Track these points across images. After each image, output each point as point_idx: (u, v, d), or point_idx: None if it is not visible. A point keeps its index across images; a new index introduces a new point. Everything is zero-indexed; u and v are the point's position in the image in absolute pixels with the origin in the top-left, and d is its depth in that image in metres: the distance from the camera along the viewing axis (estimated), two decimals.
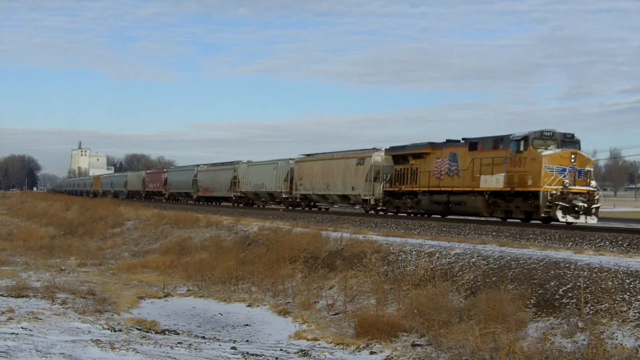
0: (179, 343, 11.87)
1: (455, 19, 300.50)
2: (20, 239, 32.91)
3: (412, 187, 30.60)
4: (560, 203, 23.11)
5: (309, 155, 43.62)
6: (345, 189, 36.72)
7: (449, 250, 16.43)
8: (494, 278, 13.88)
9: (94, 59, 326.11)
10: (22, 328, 12.00)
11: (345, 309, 14.95)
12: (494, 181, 25.46)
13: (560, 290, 12.17)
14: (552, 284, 12.52)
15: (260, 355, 11.31)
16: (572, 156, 23.75)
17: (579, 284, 11.83)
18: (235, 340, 13.15)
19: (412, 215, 30.59)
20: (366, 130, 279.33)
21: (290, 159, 44.32)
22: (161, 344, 11.56)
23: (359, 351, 12.05)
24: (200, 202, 56.98)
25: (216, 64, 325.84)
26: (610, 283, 11.43)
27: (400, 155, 32.08)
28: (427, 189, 29.50)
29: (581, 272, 12.42)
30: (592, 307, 11.13)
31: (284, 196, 43.61)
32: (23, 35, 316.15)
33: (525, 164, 24.22)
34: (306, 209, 41.65)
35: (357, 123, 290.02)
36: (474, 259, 15.23)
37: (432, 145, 30.00)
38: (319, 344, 12.67)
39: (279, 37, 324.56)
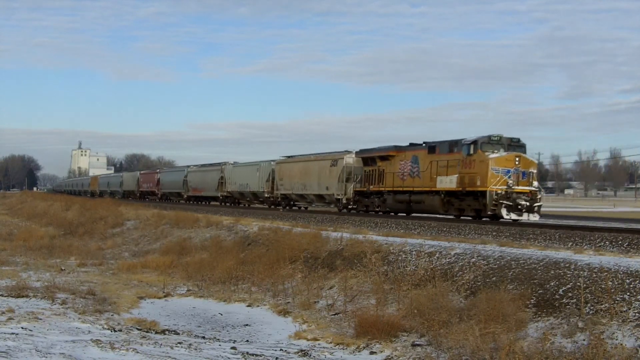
0: (179, 343, 11.87)
1: (455, 18, 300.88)
2: (20, 239, 32.90)
3: (379, 187, 32.65)
4: (505, 202, 25.11)
5: (289, 157, 45.55)
6: (320, 189, 38.76)
7: (449, 250, 16.43)
8: (494, 278, 13.89)
9: (94, 59, 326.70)
10: (22, 328, 11.99)
11: (345, 309, 14.95)
12: (448, 182, 27.58)
13: (560, 290, 12.17)
14: (552, 284, 12.53)
15: (260, 355, 11.31)
16: (517, 159, 25.79)
17: (579, 284, 11.84)
18: (235, 340, 13.16)
19: (379, 213, 32.47)
20: (366, 130, 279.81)
21: (272, 160, 46.35)
22: (161, 344, 11.56)
23: (359, 351, 12.05)
24: (190, 202, 58.93)
25: (216, 64, 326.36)
26: (610, 283, 11.43)
27: (369, 158, 34.07)
28: (392, 189, 31.58)
29: (581, 272, 12.42)
30: (592, 307, 11.13)
31: (266, 195, 45.88)
32: (23, 35, 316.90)
33: (474, 166, 26.27)
34: (287, 207, 43.29)
35: (357, 123, 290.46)
36: (474, 259, 15.23)
37: (397, 149, 32.06)
38: (319, 344, 12.67)
39: (279, 37, 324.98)
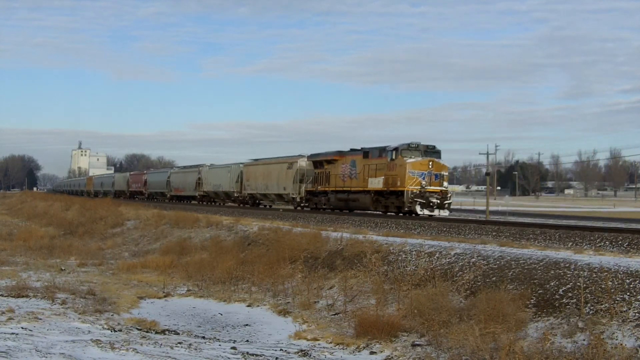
0: (179, 343, 11.87)
1: (455, 18, 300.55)
2: (20, 239, 32.93)
3: (325, 188, 37.03)
4: (419, 200, 29.28)
5: (255, 160, 50.17)
6: (279, 189, 42.90)
7: (449, 250, 16.43)
8: (494, 278, 13.88)
9: (94, 59, 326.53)
10: (22, 328, 11.99)
11: (345, 309, 14.95)
12: (376, 183, 31.82)
13: (560, 290, 12.17)
14: (552, 284, 12.52)
15: (260, 355, 11.31)
16: (430, 163, 30.10)
17: (579, 284, 11.84)
18: (235, 340, 13.16)
19: (327, 210, 36.54)
20: (366, 130, 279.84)
21: (241, 163, 51.08)
22: (161, 344, 11.56)
23: (359, 351, 12.05)
24: (173, 201, 62.97)
25: (216, 63, 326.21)
26: (610, 283, 11.43)
27: (318, 161, 38.37)
28: (335, 189, 35.95)
29: (581, 272, 12.42)
30: (592, 307, 11.13)
31: (235, 195, 50.45)
32: (23, 35, 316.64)
33: (396, 169, 30.42)
34: (253, 206, 47.79)
35: (357, 123, 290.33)
36: (474, 259, 15.23)
37: (340, 153, 36.29)
38: (319, 344, 12.67)
39: (279, 37, 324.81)
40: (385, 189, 30.95)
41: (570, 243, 18.12)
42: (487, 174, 61.51)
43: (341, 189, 35.11)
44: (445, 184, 30.51)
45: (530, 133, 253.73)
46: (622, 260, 13.40)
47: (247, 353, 11.43)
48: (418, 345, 11.82)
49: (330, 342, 12.69)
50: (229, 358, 11.00)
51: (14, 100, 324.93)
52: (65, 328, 12.50)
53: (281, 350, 11.97)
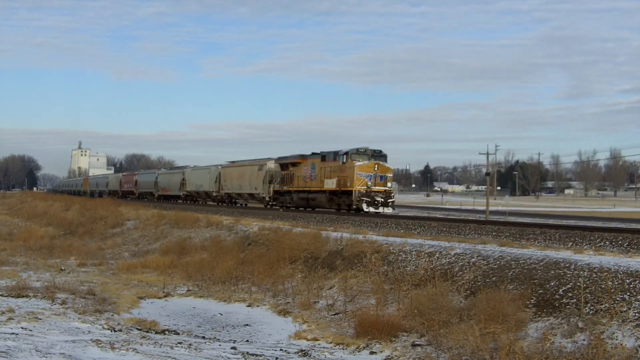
0: (179, 343, 11.87)
1: (455, 18, 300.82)
2: (20, 239, 32.93)
3: (290, 188, 40.62)
4: (365, 198, 32.87)
5: (232, 162, 54.22)
6: (251, 189, 46.65)
7: (449, 250, 16.43)
8: (494, 278, 13.88)
9: (93, 58, 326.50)
10: (22, 328, 11.99)
11: (345, 309, 14.95)
12: (331, 183, 35.43)
13: (560, 290, 12.17)
14: (552, 284, 12.52)
15: (260, 355, 11.31)
16: (376, 166, 33.53)
17: (579, 284, 11.84)
18: (235, 340, 13.16)
19: (292, 208, 40.01)
20: (366, 130, 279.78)
21: (219, 165, 55.18)
22: (161, 344, 11.56)
23: (359, 351, 12.05)
24: (160, 200, 66.80)
25: (216, 63, 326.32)
26: (610, 283, 11.43)
27: (284, 164, 41.81)
28: (297, 189, 39.55)
29: (581, 272, 12.42)
30: (592, 307, 11.13)
31: (214, 195, 54.41)
32: (23, 35, 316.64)
33: (346, 171, 33.95)
34: (230, 204, 51.58)
35: (357, 123, 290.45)
36: (474, 259, 15.23)
37: (302, 157, 39.81)
38: (319, 344, 12.67)
39: (279, 37, 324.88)
40: (338, 189, 34.67)
41: (570, 243, 18.12)
42: (487, 174, 61.52)
43: (303, 189, 38.84)
44: (389, 184, 34.03)
45: (530, 133, 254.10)
46: (622, 260, 13.39)
47: (247, 353, 11.43)
48: (418, 345, 11.82)
49: (330, 342, 12.69)
50: (229, 358, 11.00)
51: (14, 100, 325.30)
52: (65, 328, 12.49)
53: (281, 350, 11.97)
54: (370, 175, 33.20)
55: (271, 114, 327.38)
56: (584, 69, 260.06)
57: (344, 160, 34.32)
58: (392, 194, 33.90)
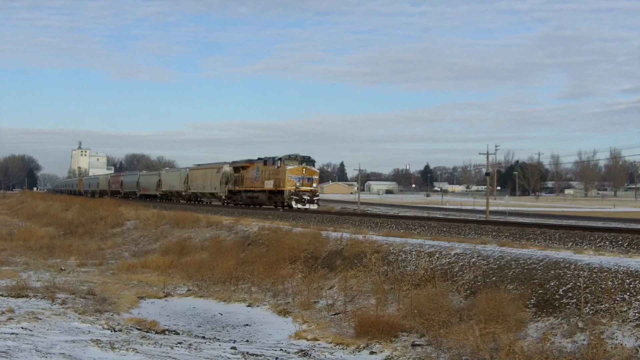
0: (179, 343, 11.87)
1: (456, 18, 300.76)
2: (20, 239, 32.92)
3: (240, 188, 47.29)
4: (294, 197, 39.54)
5: (198, 165, 61.99)
6: (211, 189, 53.36)
7: (449, 250, 16.42)
8: (494, 278, 13.88)
9: (93, 58, 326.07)
10: (22, 328, 11.99)
11: (345, 309, 14.95)
12: (269, 184, 41.89)
13: (560, 290, 12.17)
14: (552, 284, 12.52)
15: (260, 355, 11.31)
16: (304, 170, 40.41)
17: (579, 284, 11.84)
18: (235, 340, 13.16)
19: (241, 205, 45.98)
20: (366, 130, 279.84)
21: (187, 168, 63.22)
22: (161, 344, 11.56)
23: (359, 351, 12.05)
24: (141, 199, 72.07)
25: (216, 63, 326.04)
26: (610, 283, 11.43)
27: (236, 167, 48.34)
28: (245, 189, 46.31)
29: (581, 272, 12.42)
30: (592, 307, 11.13)
31: (183, 194, 61.08)
32: (23, 35, 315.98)
33: (280, 174, 40.56)
34: (196, 202, 57.34)
35: (357, 123, 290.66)
36: (474, 259, 15.23)
37: (250, 161, 46.20)
38: (319, 344, 12.67)
39: (279, 37, 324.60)
40: (275, 189, 41.17)
41: (570, 243, 18.13)
42: (487, 174, 61.48)
43: (249, 189, 45.50)
44: (314, 185, 41.10)
45: (530, 133, 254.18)
46: (622, 260, 13.40)
47: (247, 353, 11.43)
48: (418, 345, 11.82)
49: (330, 342, 12.69)
50: (229, 358, 11.00)
51: (14, 100, 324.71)
52: (65, 328, 12.49)
53: (281, 350, 11.97)
54: (299, 178, 39.99)
55: (271, 114, 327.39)
56: (584, 69, 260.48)
57: (279, 165, 40.84)
58: (317, 193, 41.59)
